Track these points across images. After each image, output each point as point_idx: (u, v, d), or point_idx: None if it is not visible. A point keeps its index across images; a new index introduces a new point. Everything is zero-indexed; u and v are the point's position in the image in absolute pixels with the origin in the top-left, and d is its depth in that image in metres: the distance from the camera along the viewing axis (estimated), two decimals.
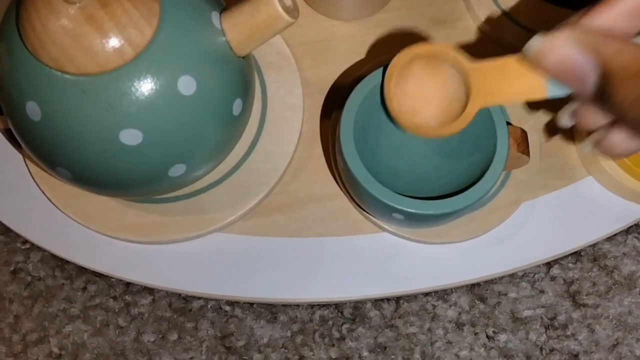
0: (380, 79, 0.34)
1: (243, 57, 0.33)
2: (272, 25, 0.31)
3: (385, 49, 0.43)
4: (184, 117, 0.30)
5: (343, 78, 0.42)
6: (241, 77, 0.33)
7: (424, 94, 0.31)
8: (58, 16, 0.27)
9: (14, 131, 0.32)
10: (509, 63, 0.27)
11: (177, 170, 0.32)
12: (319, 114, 0.41)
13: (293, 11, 0.32)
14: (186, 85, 0.30)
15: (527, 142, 0.35)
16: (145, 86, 0.29)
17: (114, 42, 0.28)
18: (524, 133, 0.34)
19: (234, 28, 0.32)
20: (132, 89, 0.29)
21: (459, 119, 0.30)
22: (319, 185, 0.40)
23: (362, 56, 0.43)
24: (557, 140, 0.41)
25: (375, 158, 0.36)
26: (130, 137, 0.30)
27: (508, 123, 0.34)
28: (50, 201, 0.38)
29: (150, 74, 0.29)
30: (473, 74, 0.29)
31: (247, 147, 0.40)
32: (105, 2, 0.28)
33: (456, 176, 0.35)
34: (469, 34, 0.44)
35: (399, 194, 0.32)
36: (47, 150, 0.31)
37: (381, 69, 0.34)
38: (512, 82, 0.28)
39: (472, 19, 0.44)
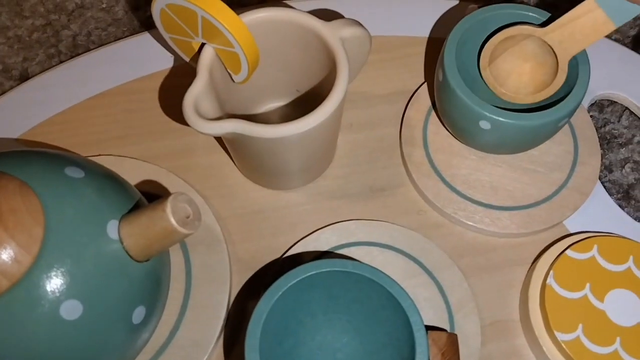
0: (292, 281, 0.32)
1: (144, 261, 0.32)
2: (169, 237, 0.30)
3: (323, 220, 0.41)
4: (69, 342, 0.28)
5: (276, 253, 0.40)
6: (145, 282, 0.31)
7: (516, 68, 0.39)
8: None
9: None
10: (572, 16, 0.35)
11: None
12: (248, 293, 0.39)
13: (193, 221, 0.30)
14: (70, 310, 0.28)
15: (456, 348, 0.32)
16: (23, 316, 0.27)
17: None
18: (451, 338, 0.31)
19: (131, 238, 0.30)
20: (10, 319, 0.27)
21: (555, 78, 0.37)
22: None
23: (298, 228, 0.41)
24: (502, 321, 0.38)
25: None
26: None
27: (433, 327, 0.32)
28: None
29: (28, 304, 0.27)
30: (548, 35, 0.36)
31: (165, 338, 0.37)
32: None
33: None
34: (410, 201, 0.42)
35: None
36: None
37: (290, 273, 0.32)
38: (582, 26, 0.35)
39: (412, 187, 0.42)
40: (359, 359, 0.34)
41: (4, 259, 0.27)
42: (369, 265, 0.32)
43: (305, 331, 0.34)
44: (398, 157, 0.43)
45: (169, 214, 0.29)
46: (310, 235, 0.40)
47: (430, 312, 0.37)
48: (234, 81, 0.38)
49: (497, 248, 0.40)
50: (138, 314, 0.31)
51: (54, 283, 0.28)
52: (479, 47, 0.40)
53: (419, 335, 0.30)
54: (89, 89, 0.46)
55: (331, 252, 0.39)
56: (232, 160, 0.43)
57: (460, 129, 0.39)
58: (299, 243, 0.40)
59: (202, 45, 0.36)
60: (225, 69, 0.38)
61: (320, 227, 0.41)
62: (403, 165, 0.43)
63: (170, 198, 0.29)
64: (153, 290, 0.32)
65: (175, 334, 0.37)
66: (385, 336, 0.33)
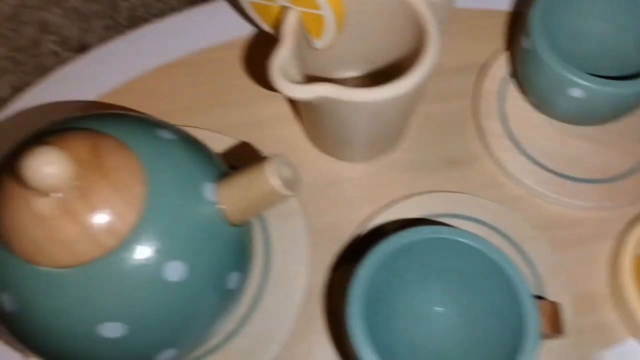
0: (393, 247, 0.31)
1: (238, 225, 0.31)
2: (269, 199, 0.29)
3: (397, 192, 0.40)
4: (172, 304, 0.27)
5: (353, 225, 0.39)
6: (238, 247, 0.30)
7: None
8: (31, 208, 0.25)
9: None
10: None
11: (166, 355, 0.29)
12: (327, 266, 0.38)
13: (293, 184, 0.29)
14: (174, 271, 0.27)
15: (561, 317, 0.31)
16: (128, 277, 0.26)
17: (92, 233, 0.25)
18: (554, 307, 0.31)
19: (230, 200, 0.29)
20: (113, 281, 0.26)
21: None
22: (330, 350, 0.36)
23: (373, 200, 0.40)
24: (590, 294, 0.37)
25: (389, 331, 0.32)
26: (111, 330, 0.26)
27: (538, 297, 0.31)
28: None
29: (133, 264, 0.26)
30: None
31: (247, 308, 0.36)
32: (84, 191, 0.25)
33: (484, 354, 0.31)
34: (487, 175, 0.41)
35: None
36: (23, 341, 0.28)
37: (390, 239, 0.31)
38: None
39: (489, 160, 0.41)
40: (457, 330, 0.33)
41: (109, 218, 0.26)
42: (471, 233, 0.31)
43: (400, 301, 0.33)
44: (471, 129, 0.42)
45: (272, 175, 0.28)
46: (388, 207, 0.39)
47: None
48: (311, 47, 0.37)
49: (581, 221, 0.39)
50: (232, 279, 0.30)
51: (158, 243, 0.26)
52: (565, 14, 0.39)
53: (529, 304, 0.29)
54: (152, 60, 0.45)
55: (412, 224, 0.38)
56: (304, 132, 0.42)
57: (546, 98, 0.38)
58: (376, 214, 0.39)
59: (284, 9, 0.35)
60: (305, 33, 0.36)
61: (396, 199, 0.40)
62: (478, 138, 0.42)
63: (273, 159, 0.29)
64: (245, 256, 0.31)
65: (258, 304, 0.36)
66: (486, 306, 0.32)
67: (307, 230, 0.38)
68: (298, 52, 0.35)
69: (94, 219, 0.25)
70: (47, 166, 0.24)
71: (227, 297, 0.30)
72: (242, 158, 0.41)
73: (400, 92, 0.32)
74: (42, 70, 0.46)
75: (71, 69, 0.46)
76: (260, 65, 0.45)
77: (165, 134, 0.30)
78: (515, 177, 0.40)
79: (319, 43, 0.37)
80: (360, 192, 0.40)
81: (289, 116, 0.43)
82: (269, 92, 0.44)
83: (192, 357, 0.35)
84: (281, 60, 0.33)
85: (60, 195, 0.25)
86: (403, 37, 0.37)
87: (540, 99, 0.39)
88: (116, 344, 0.27)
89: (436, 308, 0.33)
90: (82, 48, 0.47)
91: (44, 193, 0.24)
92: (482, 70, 0.44)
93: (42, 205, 0.25)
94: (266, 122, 0.43)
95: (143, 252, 0.26)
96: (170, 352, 0.29)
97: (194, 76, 0.45)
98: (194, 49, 0.46)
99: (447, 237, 0.31)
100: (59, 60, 0.47)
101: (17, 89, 0.46)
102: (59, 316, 0.26)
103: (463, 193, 0.39)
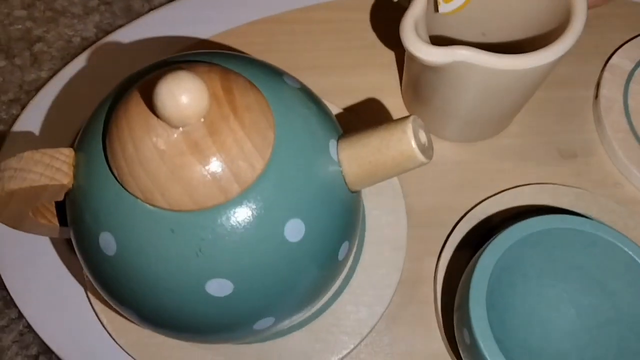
0: (516, 237, 0.28)
1: (354, 192, 0.28)
2: (402, 164, 0.26)
3: (504, 180, 0.37)
4: (286, 267, 0.25)
5: (454, 210, 0.36)
6: (352, 216, 0.28)
7: None
8: (156, 140, 0.22)
9: (80, 260, 0.26)
10: None
11: (264, 323, 0.26)
12: (424, 250, 0.35)
13: (428, 149, 0.26)
14: (294, 230, 0.24)
15: None
16: (247, 230, 0.23)
17: (218, 176, 0.22)
18: None
19: (354, 162, 0.26)
20: (231, 232, 0.23)
21: None
22: (421, 340, 0.33)
23: (476, 186, 0.37)
24: None
25: (503, 329, 0.29)
26: (219, 287, 0.24)
27: None
28: (106, 330, 0.32)
29: (255, 216, 0.23)
30: None
31: (338, 286, 0.33)
32: (214, 129, 0.23)
33: None
34: (603, 172, 0.37)
35: None
36: (115, 290, 0.25)
37: (516, 225, 0.28)
38: None
39: (608, 155, 0.38)
40: (577, 334, 0.30)
41: (238, 161, 0.23)
42: (611, 227, 0.28)
43: (517, 296, 0.30)
44: (590, 122, 0.39)
45: (411, 136, 0.25)
46: (495, 196, 0.36)
47: None
48: (436, 11, 0.34)
49: None
50: (343, 250, 0.27)
51: (283, 195, 0.24)
52: None
53: None
54: (246, 14, 0.43)
55: (523, 217, 0.35)
56: (405, 105, 0.39)
57: None
58: (482, 203, 0.36)
59: None
60: None
61: (505, 188, 0.36)
62: (597, 132, 0.38)
63: (411, 119, 0.26)
64: (355, 227, 0.28)
65: (348, 283, 0.33)
66: (612, 310, 0.29)
67: (405, 211, 0.35)
68: (427, 14, 0.32)
69: (222, 162, 0.22)
70: (184, 94, 0.21)
71: (335, 269, 0.27)
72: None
73: (546, 60, 0.29)
74: (130, 13, 0.44)
75: (160, 15, 0.43)
76: (361, 30, 0.42)
77: (291, 82, 0.27)
78: (637, 177, 0.36)
79: (445, 7, 0.34)
80: (463, 175, 0.37)
81: (385, 87, 0.40)
82: (363, 59, 0.41)
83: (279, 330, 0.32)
84: (415, 18, 0.30)
85: (189, 129, 0.22)
86: (534, 14, 0.34)
87: None
88: (219, 304, 0.24)
89: (554, 307, 0.30)
90: None
91: (174, 125, 0.22)
92: (608, 60, 0.40)
93: (168, 138, 0.22)
94: (360, 91, 0.40)
95: (267, 203, 0.23)
96: (268, 321, 0.26)
97: (289, 35, 0.42)
98: (292, 5, 0.43)
99: (583, 229, 0.28)
100: (148, 5, 0.45)
101: (102, 30, 0.44)
102: (166, 265, 0.24)
103: (579, 188, 0.36)
